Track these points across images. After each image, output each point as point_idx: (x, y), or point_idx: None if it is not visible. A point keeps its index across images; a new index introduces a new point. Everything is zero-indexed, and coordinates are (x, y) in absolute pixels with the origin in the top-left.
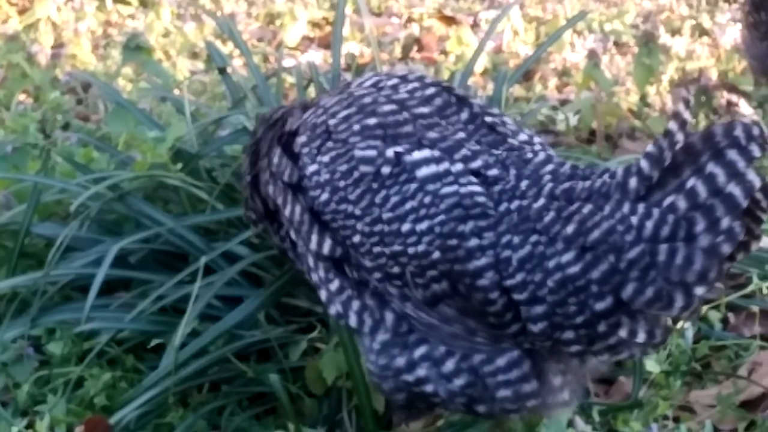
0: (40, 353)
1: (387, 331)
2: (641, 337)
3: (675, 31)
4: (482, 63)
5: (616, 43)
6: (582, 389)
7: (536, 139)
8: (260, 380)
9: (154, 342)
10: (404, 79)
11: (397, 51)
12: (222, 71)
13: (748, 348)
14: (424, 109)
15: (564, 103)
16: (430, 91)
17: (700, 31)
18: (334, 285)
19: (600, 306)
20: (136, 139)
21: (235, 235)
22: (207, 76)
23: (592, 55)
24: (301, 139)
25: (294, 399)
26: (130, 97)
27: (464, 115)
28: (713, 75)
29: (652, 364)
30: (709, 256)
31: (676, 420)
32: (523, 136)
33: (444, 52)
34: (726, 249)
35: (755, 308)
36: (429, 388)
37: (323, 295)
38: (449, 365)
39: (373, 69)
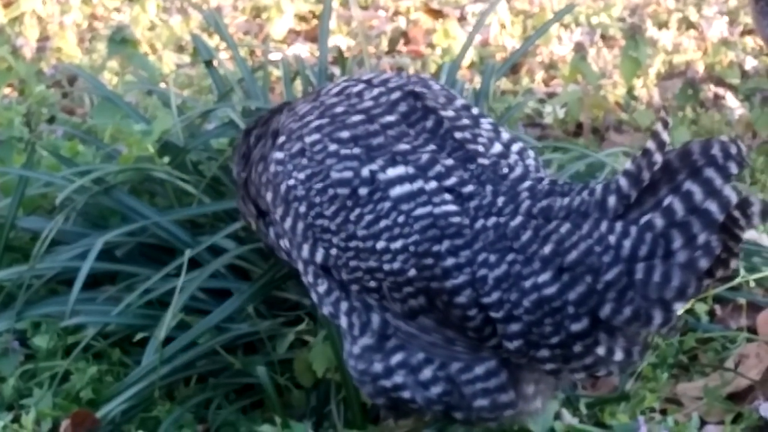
0: (26, 347)
1: (374, 334)
2: (619, 355)
3: (662, 24)
4: (469, 56)
5: (603, 36)
6: (553, 397)
7: (514, 147)
8: (248, 372)
9: (140, 336)
10: (369, 84)
11: (384, 44)
12: (208, 64)
13: (734, 340)
14: (390, 118)
15: (551, 96)
16: (395, 95)
17: (687, 24)
18: (323, 287)
19: (576, 327)
20: (122, 133)
21: (222, 229)
22: (193, 70)
23: (579, 48)
24: (278, 148)
25: (282, 391)
26: (116, 90)
27: (429, 123)
28: (700, 68)
29: None
30: (687, 271)
31: (663, 412)
32: (497, 147)
33: (431, 45)
34: (704, 263)
35: (742, 301)
36: (406, 394)
37: (314, 297)
38: (426, 373)
39: (361, 63)
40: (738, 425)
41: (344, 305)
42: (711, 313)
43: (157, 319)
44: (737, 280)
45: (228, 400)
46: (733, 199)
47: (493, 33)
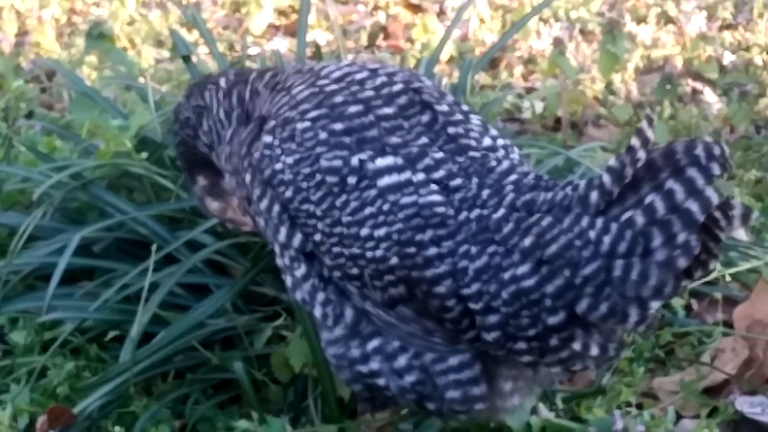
0: (3, 342)
1: (346, 327)
2: (594, 351)
3: (640, 19)
4: (448, 51)
5: (581, 31)
6: (534, 394)
7: (500, 142)
8: (225, 368)
9: (114, 333)
10: (374, 73)
11: (364, 39)
12: (186, 59)
13: (711, 335)
14: (388, 110)
15: (530, 90)
16: (397, 87)
17: (666, 19)
18: (300, 272)
19: (552, 320)
20: (100, 128)
21: (200, 224)
22: (172, 65)
23: (558, 43)
24: (267, 132)
25: (259, 386)
26: (95, 85)
27: (425, 118)
28: (678, 63)
29: None
30: (665, 270)
31: (639, 406)
32: (487, 141)
33: (410, 40)
34: (682, 263)
35: (718, 295)
36: (381, 381)
37: (288, 280)
38: (401, 361)
39: (338, 58)
40: (714, 419)
41: (320, 296)
42: (687, 308)
43: (135, 314)
44: (714, 275)
45: (205, 396)
46: (715, 199)
47: (472, 28)
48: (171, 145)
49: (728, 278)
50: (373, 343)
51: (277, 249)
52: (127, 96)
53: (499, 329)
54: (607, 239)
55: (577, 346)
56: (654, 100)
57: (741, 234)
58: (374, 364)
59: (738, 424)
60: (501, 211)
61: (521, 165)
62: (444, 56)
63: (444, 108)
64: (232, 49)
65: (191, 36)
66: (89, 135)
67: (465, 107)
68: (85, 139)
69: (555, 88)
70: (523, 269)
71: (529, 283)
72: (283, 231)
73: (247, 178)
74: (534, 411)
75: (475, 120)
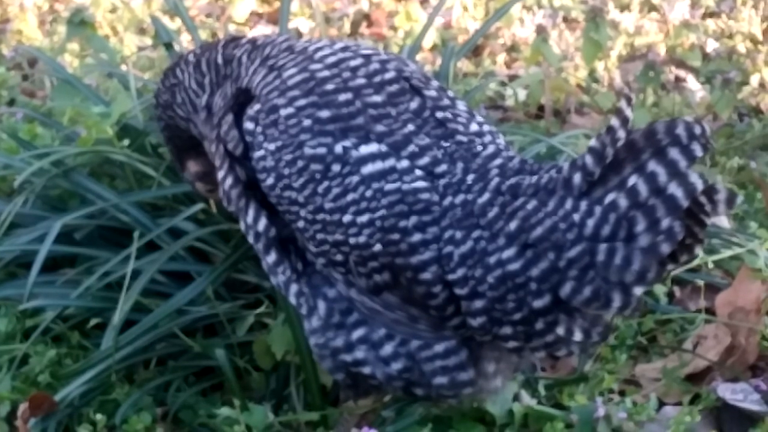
0: None
1: (320, 318)
2: (578, 336)
3: (624, 7)
4: (431, 38)
5: (565, 19)
6: (513, 375)
7: (486, 128)
8: (207, 355)
9: (95, 321)
10: (367, 59)
11: (347, 27)
12: (168, 47)
13: (693, 322)
14: (377, 98)
15: (513, 78)
16: (389, 75)
17: (649, 7)
18: (272, 258)
19: (538, 303)
20: (82, 115)
21: (181, 211)
22: (155, 52)
23: (541, 31)
24: (250, 118)
25: (241, 374)
26: (76, 72)
27: (414, 105)
28: (661, 50)
29: None
30: (649, 256)
31: (622, 393)
32: (474, 127)
33: (393, 28)
34: (665, 249)
35: (700, 282)
36: (367, 369)
37: (264, 265)
38: (387, 349)
39: None
40: (696, 406)
41: (294, 287)
42: (670, 295)
43: (117, 302)
44: (696, 262)
45: (187, 383)
46: (699, 186)
47: (456, 15)
48: (153, 132)
49: (711, 265)
50: (359, 332)
51: (251, 237)
52: (109, 83)
53: (485, 314)
54: (590, 222)
55: (560, 330)
56: (637, 87)
57: (724, 221)
58: (359, 353)
59: (720, 411)
60: (486, 196)
61: (507, 150)
62: (427, 44)
63: (432, 93)
64: (214, 36)
65: (174, 23)
66: (71, 122)
67: (450, 93)
68: (67, 127)
69: (538, 75)
70: (508, 253)
71: (514, 266)
72: (250, 213)
73: (213, 148)
74: (516, 398)
75: (461, 106)
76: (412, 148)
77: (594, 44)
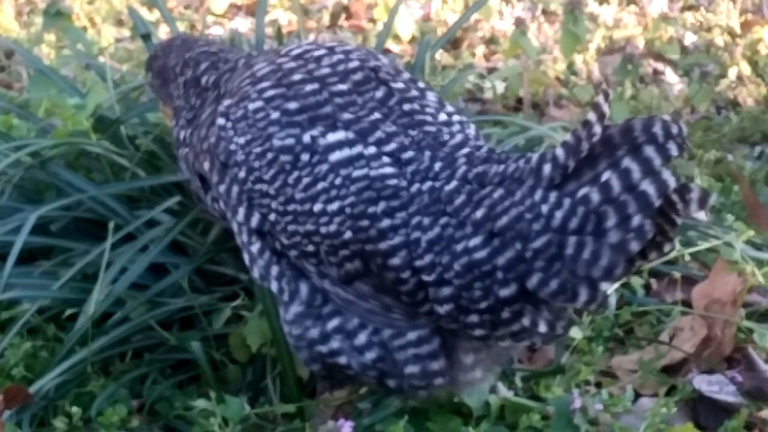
0: None
1: (302, 303)
2: (543, 327)
3: (602, 0)
4: (410, 31)
5: (544, 12)
6: (497, 367)
7: (456, 117)
8: (183, 348)
9: (71, 311)
10: (331, 50)
11: (326, 19)
12: (146, 38)
13: (669, 314)
14: (342, 86)
15: (491, 71)
16: (353, 64)
17: (628, 0)
18: (256, 247)
19: (504, 293)
20: (58, 107)
21: (158, 203)
22: (132, 44)
23: (520, 23)
24: (221, 114)
25: (218, 366)
26: (53, 64)
27: (379, 93)
28: (640, 43)
29: (575, 331)
30: (617, 252)
31: (598, 385)
32: (442, 116)
33: (372, 20)
34: (634, 247)
35: (677, 274)
36: (342, 360)
37: (246, 258)
38: (361, 338)
39: (298, 37)
40: (672, 397)
41: (275, 269)
42: (646, 287)
43: (92, 293)
44: (673, 254)
45: (163, 376)
46: (672, 183)
47: (435, 8)
48: (127, 123)
49: (687, 258)
50: (333, 323)
51: (235, 227)
52: (87, 75)
53: (452, 302)
54: (559, 214)
55: (526, 321)
56: (615, 80)
57: (700, 214)
58: (335, 343)
59: (696, 403)
60: (453, 183)
61: (476, 139)
62: (405, 36)
63: (399, 85)
64: (193, 28)
65: (152, 15)
66: (47, 114)
67: (421, 84)
68: (43, 118)
69: (517, 68)
70: (475, 241)
71: (481, 254)
72: (241, 211)
73: (206, 165)
74: (493, 390)
75: (431, 96)
76: (378, 134)
77: (573, 37)
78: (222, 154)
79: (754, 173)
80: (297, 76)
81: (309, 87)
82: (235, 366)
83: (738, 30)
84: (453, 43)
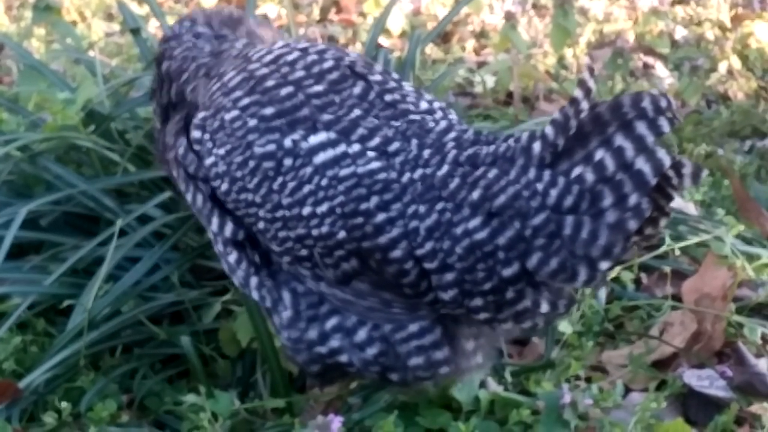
0: None
1: (286, 308)
2: (544, 307)
3: None
4: (400, 25)
5: (534, 5)
6: (495, 352)
7: (436, 105)
8: (173, 342)
9: (67, 303)
10: (305, 52)
11: (316, 13)
12: (135, 33)
13: (659, 308)
14: (319, 87)
15: (481, 65)
16: (328, 64)
17: None
18: (233, 257)
19: (507, 272)
20: (47, 101)
21: (148, 197)
22: (122, 38)
23: (510, 17)
24: (197, 126)
25: (208, 361)
26: (43, 58)
27: (357, 89)
28: (630, 37)
29: (565, 325)
30: (615, 231)
31: (588, 380)
32: (423, 104)
33: (362, 14)
34: (632, 225)
35: (667, 269)
36: (343, 358)
37: (225, 266)
38: (361, 334)
39: (288, 32)
40: (662, 392)
41: (254, 280)
42: (637, 281)
43: (82, 288)
44: (663, 249)
45: (153, 370)
46: (667, 162)
47: (425, 2)
48: (118, 118)
49: (677, 252)
50: (332, 322)
51: (211, 236)
52: (77, 69)
53: (456, 286)
54: (554, 192)
55: (528, 302)
56: (605, 74)
57: (691, 208)
58: (334, 342)
59: (686, 398)
60: (445, 168)
61: (459, 124)
62: (396, 30)
63: (377, 77)
64: None
65: (142, 9)
66: (37, 108)
67: (396, 76)
68: (33, 113)
69: (507, 62)
70: (474, 223)
71: (481, 235)
72: (214, 221)
73: (173, 172)
74: (483, 385)
75: (407, 87)
76: (360, 131)
77: (563, 31)
78: (191, 165)
79: (744, 167)
80: (271, 82)
81: (284, 91)
82: (225, 361)
83: (728, 24)
84: (443, 37)
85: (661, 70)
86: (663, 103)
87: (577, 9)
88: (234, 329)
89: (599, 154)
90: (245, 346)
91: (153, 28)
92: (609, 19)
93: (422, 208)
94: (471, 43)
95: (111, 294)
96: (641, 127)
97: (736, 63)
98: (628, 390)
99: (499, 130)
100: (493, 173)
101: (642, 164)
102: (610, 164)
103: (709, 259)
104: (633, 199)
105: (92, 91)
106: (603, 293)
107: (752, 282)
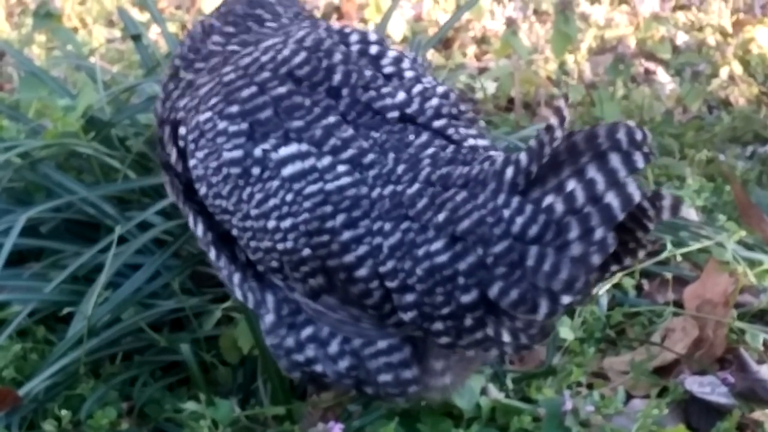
0: None
1: (269, 311)
2: (506, 337)
3: None
4: (401, 31)
5: (535, 11)
6: (468, 372)
7: (438, 87)
8: (173, 350)
9: (67, 310)
10: (278, 51)
11: None
12: (136, 39)
13: (661, 315)
14: (282, 89)
15: (483, 71)
16: (298, 59)
17: (619, 0)
18: (212, 254)
19: (466, 298)
20: (48, 108)
21: (149, 204)
22: (124, 45)
23: (511, 23)
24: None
25: (208, 368)
26: (44, 65)
27: (335, 82)
28: (632, 43)
29: (566, 332)
30: (578, 265)
31: (590, 387)
32: (401, 95)
33: (364, 20)
34: (596, 260)
35: (669, 275)
36: (318, 368)
37: (216, 270)
38: (334, 347)
39: None
40: (663, 399)
41: (237, 276)
42: (638, 288)
43: (82, 295)
44: (664, 255)
45: (153, 378)
46: (637, 197)
47: (426, 8)
48: (118, 124)
49: (679, 258)
50: (307, 331)
51: (202, 245)
52: (77, 76)
53: (416, 308)
54: (519, 220)
55: (489, 330)
56: (607, 80)
57: (692, 214)
58: (310, 352)
59: (688, 404)
60: (416, 186)
61: (454, 106)
62: (397, 36)
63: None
64: (184, 29)
65: (143, 16)
66: (37, 115)
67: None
68: (33, 119)
69: (508, 68)
70: (437, 245)
71: (442, 258)
72: (190, 220)
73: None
74: (484, 391)
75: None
76: (333, 141)
77: (564, 37)
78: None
79: (745, 173)
80: (239, 83)
81: (246, 92)
82: (226, 368)
83: (730, 29)
84: (444, 43)
85: (662, 75)
86: (638, 136)
87: (579, 15)
88: (235, 336)
89: (570, 185)
90: (246, 353)
91: (154, 35)
92: (610, 24)
93: (387, 226)
94: (472, 49)
95: (111, 301)
96: (614, 160)
97: (738, 69)
98: (629, 396)
99: (501, 137)
100: (461, 196)
101: (611, 198)
102: (580, 196)
103: (710, 265)
104: (599, 234)
105: (93, 97)
106: (604, 299)
107: (754, 288)
